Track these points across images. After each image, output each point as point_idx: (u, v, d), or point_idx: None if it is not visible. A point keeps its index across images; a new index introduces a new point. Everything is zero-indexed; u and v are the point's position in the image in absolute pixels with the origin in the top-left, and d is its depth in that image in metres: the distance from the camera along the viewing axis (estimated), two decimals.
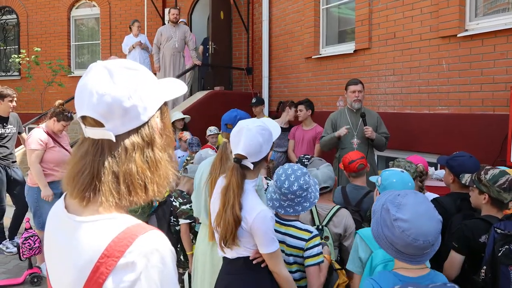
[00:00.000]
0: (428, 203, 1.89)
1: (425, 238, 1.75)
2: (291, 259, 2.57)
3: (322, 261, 2.55)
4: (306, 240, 2.52)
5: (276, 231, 2.53)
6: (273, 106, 8.74)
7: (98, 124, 1.08)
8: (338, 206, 3.20)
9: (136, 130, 1.11)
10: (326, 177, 3.20)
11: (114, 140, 1.08)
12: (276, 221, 2.58)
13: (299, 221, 2.62)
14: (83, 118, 1.10)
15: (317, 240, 2.55)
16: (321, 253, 2.55)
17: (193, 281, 3.53)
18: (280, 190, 2.52)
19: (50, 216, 1.22)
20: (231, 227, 2.19)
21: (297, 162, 4.25)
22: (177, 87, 1.23)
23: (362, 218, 3.38)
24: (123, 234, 1.04)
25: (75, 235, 1.07)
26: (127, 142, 1.09)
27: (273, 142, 2.40)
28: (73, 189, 1.10)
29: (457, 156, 3.39)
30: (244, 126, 2.30)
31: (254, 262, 2.31)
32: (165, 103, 1.19)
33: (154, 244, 1.04)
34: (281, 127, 6.11)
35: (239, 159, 2.27)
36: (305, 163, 4.10)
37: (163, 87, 1.19)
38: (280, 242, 2.53)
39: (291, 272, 2.51)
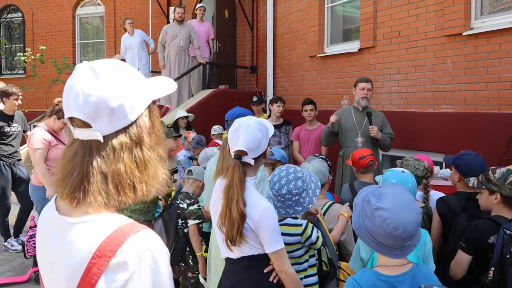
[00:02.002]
0: (408, 194, 1.90)
1: (404, 228, 1.74)
2: (298, 253, 2.61)
3: (322, 244, 2.64)
4: (300, 234, 2.56)
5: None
6: None
7: (86, 125, 1.08)
8: (330, 202, 3.23)
9: (124, 130, 1.10)
10: (315, 171, 3.19)
11: (102, 141, 1.08)
12: None
13: (290, 217, 2.63)
14: (71, 119, 1.10)
15: (309, 229, 2.59)
16: (318, 237, 2.62)
17: (207, 271, 3.60)
18: (272, 191, 2.55)
19: (41, 218, 1.22)
20: (237, 224, 2.19)
21: None
22: (165, 85, 1.22)
23: None
24: (114, 234, 1.03)
25: (66, 237, 1.07)
26: (115, 142, 1.09)
27: (270, 139, 2.42)
28: (63, 190, 1.10)
29: (463, 154, 3.38)
30: (243, 123, 2.32)
31: (270, 279, 2.32)
32: (153, 102, 1.18)
33: (146, 244, 1.04)
34: (274, 124, 6.16)
35: (239, 155, 2.28)
36: None
37: (152, 85, 1.19)
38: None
39: (306, 261, 2.62)
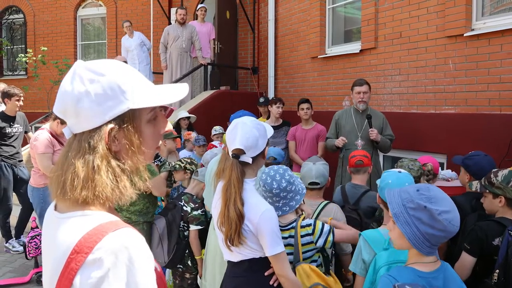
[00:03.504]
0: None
1: (459, 224, 1.80)
2: (309, 254, 2.63)
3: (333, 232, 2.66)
4: (311, 234, 2.59)
5: (283, 237, 2.58)
6: None
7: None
8: (326, 202, 3.24)
9: (89, 132, 1.12)
10: (319, 174, 3.23)
11: (67, 137, 1.16)
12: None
13: (295, 220, 2.66)
14: None
15: (319, 225, 2.62)
16: (329, 231, 2.63)
17: (203, 271, 3.60)
18: (271, 192, 2.56)
19: (45, 216, 1.25)
20: (235, 224, 2.18)
21: None
22: (163, 95, 1.21)
23: (360, 216, 3.38)
24: (94, 230, 1.05)
25: (56, 232, 1.11)
26: (77, 142, 1.13)
27: (268, 140, 2.41)
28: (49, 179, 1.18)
29: (472, 155, 3.39)
30: (239, 122, 2.32)
31: (271, 282, 2.32)
32: (133, 112, 1.16)
33: (123, 242, 1.04)
34: (273, 125, 6.14)
35: (237, 154, 2.26)
36: None
37: (140, 95, 1.17)
38: (288, 245, 2.58)
39: (314, 261, 2.65)
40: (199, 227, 3.74)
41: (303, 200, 2.77)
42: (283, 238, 2.60)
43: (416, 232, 1.82)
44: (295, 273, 2.52)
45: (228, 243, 2.25)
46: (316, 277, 2.53)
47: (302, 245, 2.58)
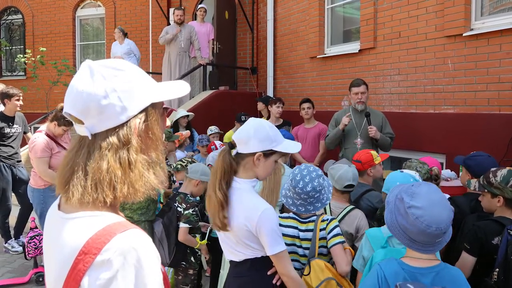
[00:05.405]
0: (441, 193, 1.94)
1: (437, 225, 1.80)
2: (324, 250, 2.65)
3: (344, 241, 2.66)
4: (325, 228, 2.64)
5: (298, 229, 2.68)
6: None
7: (80, 121, 1.12)
8: (352, 206, 3.21)
9: (114, 129, 1.11)
10: (355, 176, 3.27)
11: (90, 138, 1.11)
12: (297, 220, 2.71)
13: (316, 215, 2.71)
14: (70, 114, 1.14)
15: (334, 223, 2.67)
16: (341, 234, 2.65)
17: (223, 263, 3.63)
18: (295, 189, 2.61)
19: (47, 215, 1.24)
20: (216, 208, 2.21)
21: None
22: (171, 90, 1.23)
23: None
24: (102, 231, 1.04)
25: (60, 232, 1.09)
26: (103, 140, 1.10)
27: (271, 150, 2.29)
28: (59, 183, 1.14)
29: (474, 155, 3.37)
30: (251, 118, 2.35)
31: (274, 281, 2.33)
32: (153, 106, 1.18)
33: (131, 243, 1.04)
34: (274, 125, 6.16)
35: (232, 144, 2.30)
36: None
37: (155, 89, 1.18)
38: (304, 239, 2.66)
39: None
40: (187, 225, 3.73)
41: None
42: (301, 230, 2.68)
43: (394, 221, 1.92)
44: (309, 268, 2.55)
45: (217, 228, 2.27)
46: (330, 273, 2.54)
47: (319, 239, 2.62)
